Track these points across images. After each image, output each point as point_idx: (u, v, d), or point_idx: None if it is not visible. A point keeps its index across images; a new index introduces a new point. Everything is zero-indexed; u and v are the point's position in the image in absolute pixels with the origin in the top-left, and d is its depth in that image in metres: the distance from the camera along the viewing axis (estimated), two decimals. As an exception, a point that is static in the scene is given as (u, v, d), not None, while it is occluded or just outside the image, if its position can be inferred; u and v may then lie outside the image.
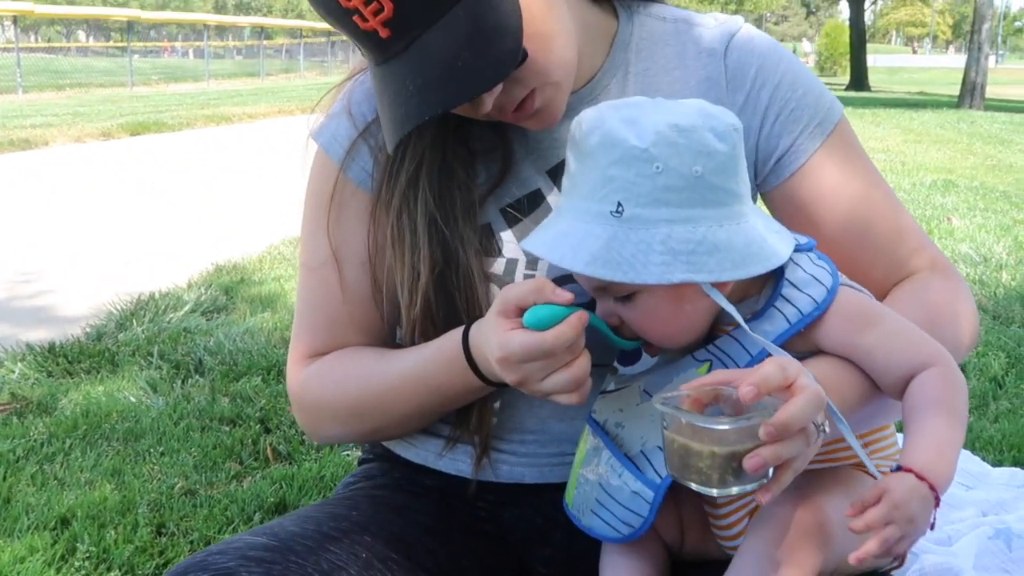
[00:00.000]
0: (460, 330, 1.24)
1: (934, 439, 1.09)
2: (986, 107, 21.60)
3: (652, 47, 1.36)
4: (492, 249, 1.32)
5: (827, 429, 1.05)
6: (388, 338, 1.41)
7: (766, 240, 1.13)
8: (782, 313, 1.15)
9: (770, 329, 1.14)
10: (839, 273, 1.18)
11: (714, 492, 1.04)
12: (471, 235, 1.29)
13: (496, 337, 1.12)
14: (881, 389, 1.16)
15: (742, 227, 1.11)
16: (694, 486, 1.04)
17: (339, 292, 1.37)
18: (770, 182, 1.35)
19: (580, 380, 1.12)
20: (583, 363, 1.12)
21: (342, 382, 1.36)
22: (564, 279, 1.26)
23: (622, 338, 1.18)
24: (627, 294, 1.14)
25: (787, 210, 1.35)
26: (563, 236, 1.11)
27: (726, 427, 1.02)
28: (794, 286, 1.16)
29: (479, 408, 1.33)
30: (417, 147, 1.29)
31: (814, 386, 1.02)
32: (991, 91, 24.15)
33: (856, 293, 1.20)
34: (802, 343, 1.15)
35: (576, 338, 1.10)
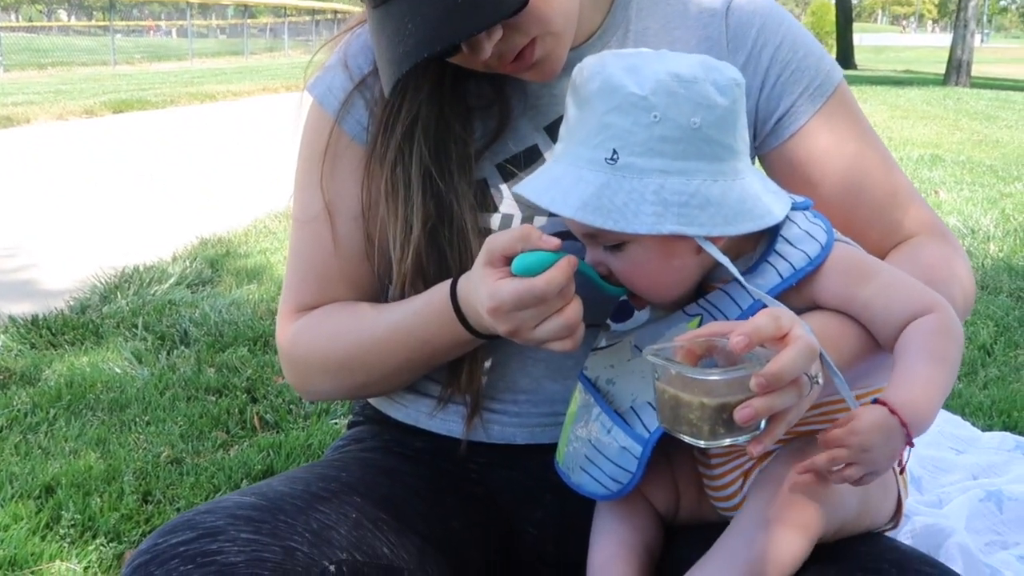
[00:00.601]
0: (448, 283, 1.23)
1: (917, 379, 1.08)
2: (972, 84, 21.63)
3: (653, 6, 1.35)
4: (488, 204, 1.31)
5: (820, 381, 1.04)
6: (378, 294, 1.39)
7: (760, 199, 1.12)
8: (774, 268, 1.14)
9: (762, 283, 1.13)
10: (834, 230, 1.17)
11: (703, 444, 1.03)
12: (466, 189, 1.28)
13: (486, 287, 1.11)
14: (880, 344, 1.14)
15: (737, 183, 1.10)
16: (686, 438, 1.03)
17: (331, 246, 1.36)
18: (769, 143, 1.34)
19: (573, 326, 1.11)
20: (575, 308, 1.11)
21: (331, 335, 1.35)
22: (559, 236, 1.25)
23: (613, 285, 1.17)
24: (617, 243, 1.13)
25: (784, 171, 1.35)
26: (556, 181, 1.10)
27: (716, 378, 1.01)
28: (788, 242, 1.14)
29: (469, 365, 1.32)
30: (413, 100, 1.28)
31: (807, 337, 1.01)
32: (976, 69, 24.16)
33: (851, 248, 1.19)
34: (798, 298, 1.14)
35: (566, 282, 1.09)
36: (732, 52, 1.32)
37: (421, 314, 1.26)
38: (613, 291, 1.18)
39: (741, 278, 1.10)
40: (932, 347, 1.10)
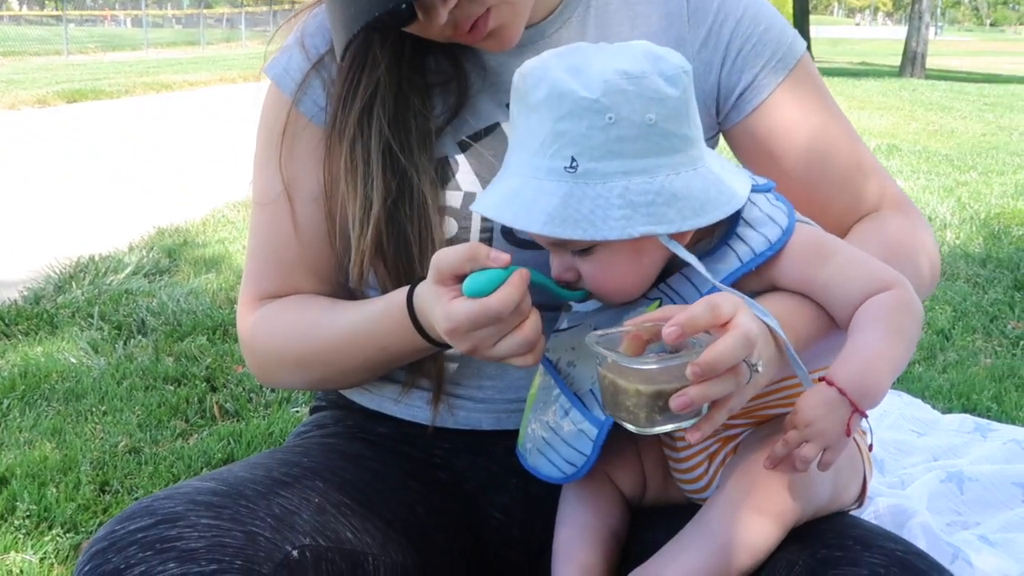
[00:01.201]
0: (404, 292, 1.20)
1: (863, 351, 1.08)
2: (927, 76, 21.89)
3: None
4: (449, 182, 1.28)
5: (760, 368, 1.03)
6: (339, 284, 1.37)
7: (723, 182, 1.11)
8: (734, 251, 1.13)
9: (722, 267, 1.12)
10: (795, 213, 1.16)
11: (634, 430, 1.03)
12: (426, 164, 1.26)
13: (440, 308, 1.08)
14: (839, 324, 1.14)
15: (699, 172, 1.09)
16: (626, 424, 1.03)
17: (291, 229, 1.34)
18: (731, 119, 1.34)
19: (532, 342, 1.08)
20: (533, 323, 1.08)
21: (288, 332, 1.33)
22: None
23: (570, 290, 1.16)
24: (585, 247, 1.10)
25: (747, 146, 1.34)
26: (515, 195, 1.07)
27: (648, 367, 1.00)
28: (749, 225, 1.14)
29: (433, 355, 1.30)
30: (372, 74, 1.26)
31: (745, 325, 1.00)
32: (931, 62, 24.47)
33: (810, 228, 1.18)
34: (758, 281, 1.14)
35: (521, 298, 1.06)
36: (693, 27, 1.32)
37: (379, 321, 1.24)
38: (571, 296, 1.16)
39: (704, 271, 1.09)
40: (885, 320, 1.09)
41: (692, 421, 1.01)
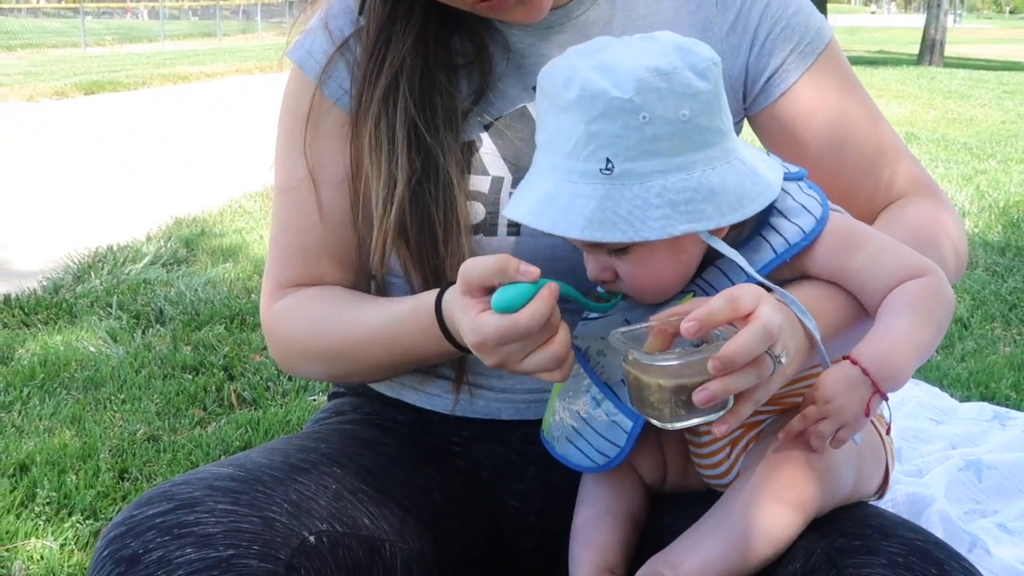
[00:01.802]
0: (432, 295, 1.19)
1: (890, 333, 1.07)
2: (945, 64, 21.72)
3: None
4: (476, 166, 1.27)
5: (784, 360, 1.02)
6: (363, 272, 1.36)
7: (757, 172, 1.10)
8: (768, 242, 1.12)
9: (757, 258, 1.11)
10: (828, 202, 1.15)
11: (659, 425, 1.02)
12: (452, 144, 1.25)
13: (468, 321, 1.06)
14: (869, 312, 1.13)
15: (733, 164, 1.08)
16: (652, 420, 1.02)
17: (315, 214, 1.33)
18: (759, 103, 1.33)
19: (562, 357, 1.06)
20: (562, 339, 1.06)
21: (314, 326, 1.32)
22: None
23: (606, 290, 1.14)
24: (622, 247, 1.09)
25: (774, 131, 1.33)
26: (550, 200, 1.06)
27: (670, 362, 0.99)
28: (782, 215, 1.12)
29: None
30: (397, 50, 1.25)
31: (767, 317, 0.99)
32: (949, 50, 24.26)
33: (842, 216, 1.17)
34: (788, 270, 1.13)
35: (550, 313, 1.04)
36: (721, 10, 1.31)
37: (406, 323, 1.22)
38: (600, 308, 1.15)
39: (747, 266, 1.08)
40: (914, 306, 1.09)
41: (718, 415, 1.01)
